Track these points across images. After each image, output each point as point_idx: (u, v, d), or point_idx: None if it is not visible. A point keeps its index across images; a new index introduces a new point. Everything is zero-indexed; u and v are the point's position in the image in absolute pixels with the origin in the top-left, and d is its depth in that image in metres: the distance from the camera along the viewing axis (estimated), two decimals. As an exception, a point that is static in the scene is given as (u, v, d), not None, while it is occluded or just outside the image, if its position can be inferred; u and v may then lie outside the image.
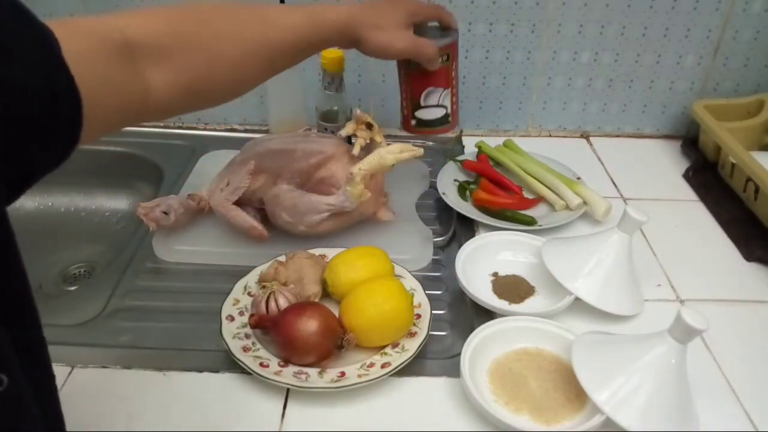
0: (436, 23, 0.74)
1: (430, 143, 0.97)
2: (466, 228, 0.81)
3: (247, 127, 1.04)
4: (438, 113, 0.78)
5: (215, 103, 0.55)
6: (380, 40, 0.66)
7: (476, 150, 0.93)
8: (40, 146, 0.36)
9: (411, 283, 0.68)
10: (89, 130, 0.39)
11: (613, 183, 0.92)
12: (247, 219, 0.74)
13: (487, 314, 0.66)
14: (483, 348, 0.60)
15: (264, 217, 0.77)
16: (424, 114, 0.77)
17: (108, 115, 0.43)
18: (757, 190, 0.79)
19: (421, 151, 0.72)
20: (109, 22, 0.45)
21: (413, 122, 0.79)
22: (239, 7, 0.55)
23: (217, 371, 0.60)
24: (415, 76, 0.75)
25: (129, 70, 0.45)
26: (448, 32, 0.74)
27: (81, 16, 0.44)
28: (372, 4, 0.67)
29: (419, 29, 0.71)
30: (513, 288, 0.70)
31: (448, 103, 0.78)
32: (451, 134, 1.03)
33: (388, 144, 0.73)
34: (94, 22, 0.44)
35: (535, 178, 0.86)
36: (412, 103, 0.78)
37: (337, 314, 0.62)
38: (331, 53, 0.82)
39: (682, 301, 0.70)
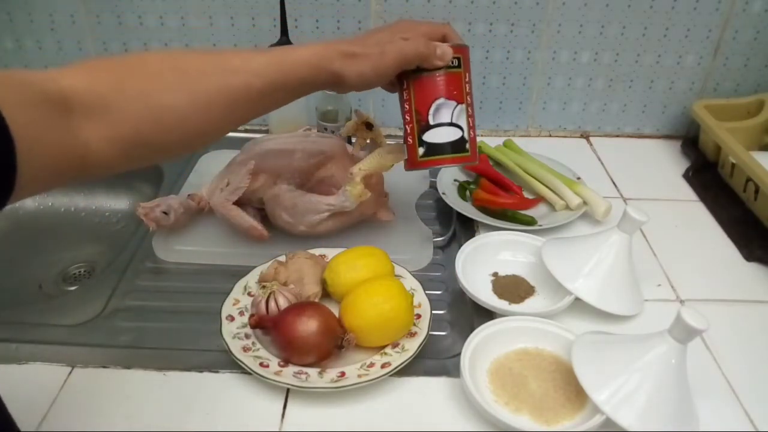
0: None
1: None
2: (466, 228, 0.81)
3: (247, 127, 1.03)
4: (452, 134, 0.60)
5: (166, 157, 0.51)
6: (358, 67, 0.56)
7: (476, 150, 0.93)
8: None
9: (411, 283, 0.68)
10: (24, 184, 0.37)
11: (613, 183, 0.92)
12: (247, 219, 0.74)
13: (487, 314, 0.66)
14: (483, 348, 0.60)
15: (264, 217, 0.77)
16: (433, 136, 0.60)
17: (44, 169, 0.39)
18: (757, 190, 0.79)
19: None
20: (47, 75, 0.42)
21: (421, 150, 0.61)
22: (193, 56, 0.50)
23: (217, 371, 0.60)
24: (420, 84, 0.60)
25: (65, 125, 0.41)
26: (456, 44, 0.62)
27: (17, 69, 0.42)
28: (355, 37, 0.59)
29: None
30: (513, 288, 0.70)
31: (464, 123, 0.61)
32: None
33: (388, 144, 0.73)
34: (30, 74, 0.41)
35: (535, 178, 0.86)
36: (417, 122, 0.61)
37: (337, 314, 0.62)
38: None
39: (682, 301, 0.70)
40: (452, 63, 0.59)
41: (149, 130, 0.46)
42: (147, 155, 0.49)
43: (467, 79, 0.61)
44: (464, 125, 0.61)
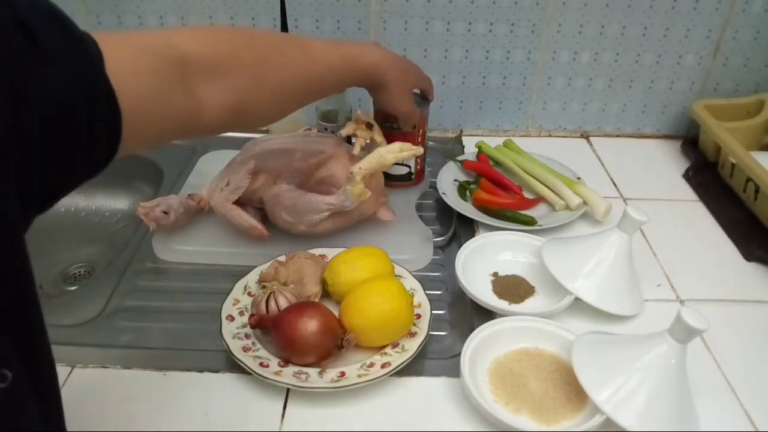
0: (418, 90, 0.82)
1: (431, 143, 0.97)
2: (466, 228, 0.81)
3: (247, 127, 1.04)
4: (402, 171, 0.86)
5: (254, 126, 0.58)
6: (395, 97, 0.72)
7: (476, 150, 0.93)
8: (76, 157, 0.36)
9: (411, 283, 0.68)
10: (132, 142, 0.39)
11: (613, 183, 0.92)
12: (247, 219, 0.74)
13: (487, 314, 0.66)
14: (483, 348, 0.60)
15: (264, 216, 0.77)
16: (390, 169, 0.77)
17: (155, 129, 0.43)
18: (757, 190, 0.79)
19: (420, 150, 0.73)
20: (164, 37, 0.45)
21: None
22: (289, 39, 0.60)
23: (217, 371, 0.60)
24: (388, 135, 0.79)
25: (181, 86, 0.45)
26: (423, 103, 0.82)
27: (135, 31, 0.44)
28: (398, 61, 0.71)
29: None
30: (513, 288, 0.70)
31: (412, 163, 0.86)
32: (451, 134, 1.04)
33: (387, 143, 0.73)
34: (148, 37, 0.44)
35: (535, 178, 0.86)
36: None
37: (337, 314, 0.62)
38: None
39: (682, 301, 0.70)
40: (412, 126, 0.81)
41: (252, 101, 0.52)
42: (244, 123, 0.54)
43: (421, 134, 0.84)
44: (412, 164, 0.86)
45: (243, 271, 0.69)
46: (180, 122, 0.46)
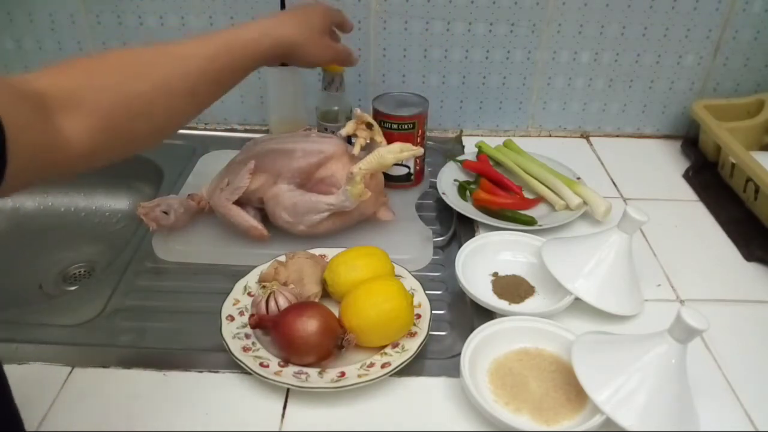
0: (411, 95, 0.86)
1: (431, 143, 0.97)
2: (466, 228, 0.81)
3: (247, 127, 1.04)
4: (401, 171, 0.86)
5: (140, 145, 0.54)
6: (310, 53, 0.68)
7: (476, 150, 0.93)
8: None
9: (411, 283, 0.68)
10: (11, 176, 0.38)
11: (613, 183, 0.92)
12: (247, 219, 0.74)
13: (487, 314, 0.66)
14: (483, 348, 0.60)
15: (264, 217, 0.77)
16: (389, 169, 0.77)
17: (32, 162, 0.41)
18: (757, 190, 0.79)
19: (421, 150, 0.73)
20: (20, 78, 0.45)
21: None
22: (150, 49, 0.55)
23: (217, 371, 0.60)
24: (388, 135, 0.80)
25: (45, 120, 0.44)
26: (421, 103, 0.84)
27: None
28: (289, 17, 0.68)
29: (396, 100, 0.85)
30: (513, 288, 0.70)
31: (411, 164, 0.86)
32: (451, 134, 1.04)
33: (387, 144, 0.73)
34: (6, 78, 0.43)
35: (535, 178, 0.86)
36: None
37: (337, 314, 0.62)
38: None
39: (682, 301, 0.70)
40: (408, 127, 0.83)
41: (120, 117, 0.50)
42: (121, 144, 0.52)
43: (420, 134, 0.84)
44: (411, 165, 0.86)
45: (243, 271, 0.69)
46: (55, 153, 0.44)
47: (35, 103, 0.44)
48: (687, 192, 0.90)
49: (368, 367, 0.59)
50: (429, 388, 0.59)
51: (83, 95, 0.47)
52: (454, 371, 0.59)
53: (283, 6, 0.83)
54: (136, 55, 0.54)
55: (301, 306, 0.61)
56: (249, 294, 0.67)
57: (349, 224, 0.77)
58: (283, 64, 0.84)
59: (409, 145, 0.71)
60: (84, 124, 0.46)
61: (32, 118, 0.42)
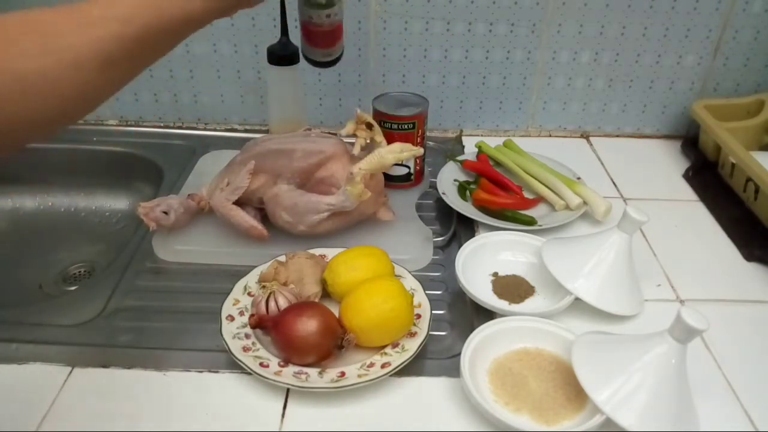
0: (411, 95, 0.85)
1: (431, 143, 0.97)
2: (466, 228, 0.81)
3: (247, 127, 1.04)
4: (401, 171, 0.86)
5: (46, 131, 0.46)
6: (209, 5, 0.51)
7: (476, 150, 0.93)
8: None
9: (411, 283, 0.68)
10: None
11: (613, 183, 0.92)
12: (247, 219, 0.74)
13: (487, 314, 0.66)
14: (483, 348, 0.60)
15: (264, 217, 0.77)
16: (389, 169, 0.77)
17: None
18: (757, 190, 0.79)
19: (421, 150, 0.73)
20: None
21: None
22: (50, 13, 0.44)
23: (217, 371, 0.60)
24: (388, 135, 0.81)
25: None
26: (421, 103, 0.84)
27: None
28: None
29: (397, 100, 0.84)
30: (513, 288, 0.70)
31: (411, 164, 0.86)
32: (451, 134, 1.04)
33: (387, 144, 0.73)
34: None
35: (535, 178, 0.86)
36: None
37: (337, 314, 0.62)
38: None
39: (682, 301, 0.70)
40: (409, 127, 0.82)
41: (17, 102, 0.42)
42: (20, 134, 0.44)
43: (420, 134, 0.84)
44: (411, 165, 0.86)
45: (243, 271, 0.69)
46: None
47: None
48: (687, 192, 0.90)
49: (368, 367, 0.59)
50: (429, 388, 0.59)
51: None
52: (454, 371, 0.59)
53: (283, 6, 0.82)
54: (32, 23, 0.44)
55: (301, 306, 0.61)
56: (249, 294, 0.67)
57: (349, 224, 0.77)
58: (282, 64, 0.85)
59: (409, 145, 0.71)
60: None
61: None
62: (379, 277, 0.65)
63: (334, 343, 0.59)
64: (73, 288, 0.87)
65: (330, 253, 0.71)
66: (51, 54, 0.43)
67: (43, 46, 0.43)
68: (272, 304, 0.63)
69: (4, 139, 0.42)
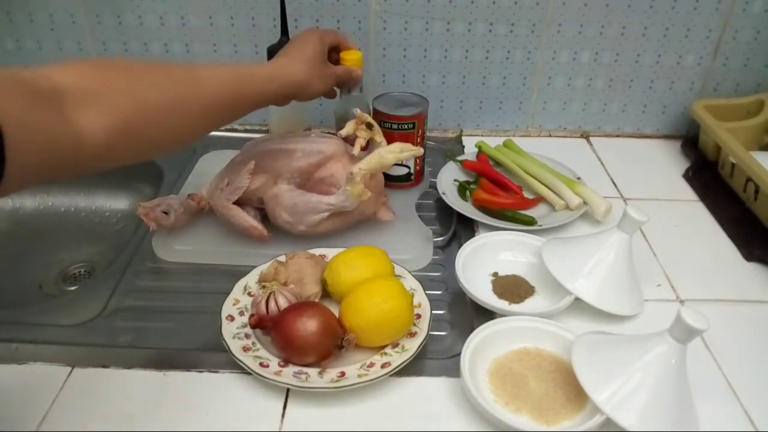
0: (411, 95, 0.86)
1: (431, 143, 0.97)
2: (466, 228, 0.81)
3: (247, 127, 1.04)
4: (401, 171, 0.87)
5: (151, 151, 0.56)
6: (313, 87, 0.71)
7: (476, 150, 0.93)
8: None
9: (411, 283, 0.68)
10: (15, 174, 0.38)
11: (613, 183, 0.92)
12: (247, 219, 0.74)
13: (487, 314, 0.66)
14: (483, 348, 0.60)
15: (264, 217, 0.77)
16: (389, 169, 0.77)
17: (36, 160, 0.42)
18: (757, 190, 0.79)
19: (421, 150, 0.73)
20: (35, 71, 0.45)
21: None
22: (171, 65, 0.59)
23: (217, 371, 0.60)
24: (388, 135, 0.80)
25: (58, 114, 0.44)
26: (421, 103, 0.84)
27: (5, 67, 0.43)
28: (293, 56, 0.70)
29: (397, 100, 0.85)
30: (513, 288, 0.70)
31: (411, 164, 0.86)
32: (451, 134, 1.04)
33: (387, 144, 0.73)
34: (19, 71, 0.43)
35: (535, 178, 0.86)
36: None
37: (337, 314, 0.62)
38: (351, 55, 0.78)
39: (682, 301, 0.70)
40: (408, 126, 0.83)
41: (136, 120, 0.51)
42: (135, 146, 0.53)
43: (420, 134, 0.85)
44: (411, 165, 0.86)
45: (243, 271, 0.69)
46: (63, 151, 0.44)
47: (49, 99, 0.44)
48: (687, 192, 0.90)
49: (368, 367, 0.59)
50: (429, 388, 0.59)
51: (101, 95, 0.48)
52: (454, 371, 0.59)
53: (283, 6, 0.83)
54: (157, 68, 0.57)
55: (301, 306, 0.61)
56: (249, 294, 0.67)
57: (349, 224, 0.77)
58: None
59: (409, 145, 0.71)
60: (101, 122, 0.47)
61: (44, 113, 0.43)
62: (379, 277, 0.65)
63: (334, 343, 0.59)
64: (73, 288, 0.87)
65: (330, 253, 0.71)
66: (167, 92, 0.55)
67: (163, 85, 0.55)
68: (272, 304, 0.63)
69: (116, 154, 0.51)
